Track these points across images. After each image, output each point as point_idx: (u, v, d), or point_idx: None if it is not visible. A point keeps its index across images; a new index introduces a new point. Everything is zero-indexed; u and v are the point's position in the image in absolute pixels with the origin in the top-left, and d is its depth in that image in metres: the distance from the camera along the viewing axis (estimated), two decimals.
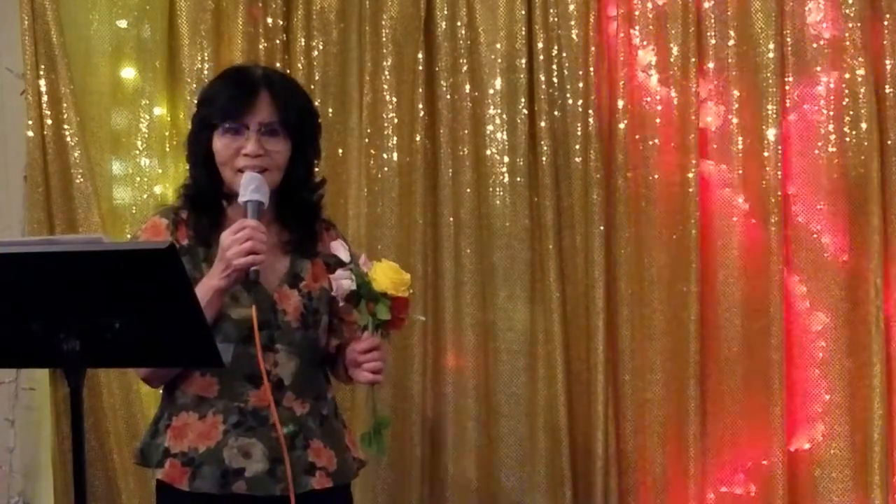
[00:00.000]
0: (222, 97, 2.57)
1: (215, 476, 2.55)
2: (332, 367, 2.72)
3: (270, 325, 2.55)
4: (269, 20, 3.84)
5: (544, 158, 3.73)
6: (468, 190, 3.79)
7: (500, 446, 3.78)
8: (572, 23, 3.71)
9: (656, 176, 3.72)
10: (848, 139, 3.59)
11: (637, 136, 3.72)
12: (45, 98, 3.68)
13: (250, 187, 2.48)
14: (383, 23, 3.80)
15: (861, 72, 3.56)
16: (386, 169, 3.81)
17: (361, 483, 3.76)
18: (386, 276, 2.46)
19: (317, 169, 2.74)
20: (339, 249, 2.52)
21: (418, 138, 3.78)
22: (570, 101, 3.73)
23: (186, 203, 2.63)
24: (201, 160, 2.59)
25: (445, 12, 3.78)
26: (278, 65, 3.82)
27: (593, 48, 3.71)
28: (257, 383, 2.54)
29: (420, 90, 3.78)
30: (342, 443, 2.67)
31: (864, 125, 3.58)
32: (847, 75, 3.57)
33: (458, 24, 3.78)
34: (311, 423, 2.61)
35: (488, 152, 3.78)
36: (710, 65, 3.69)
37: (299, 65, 3.82)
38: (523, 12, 3.73)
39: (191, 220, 2.60)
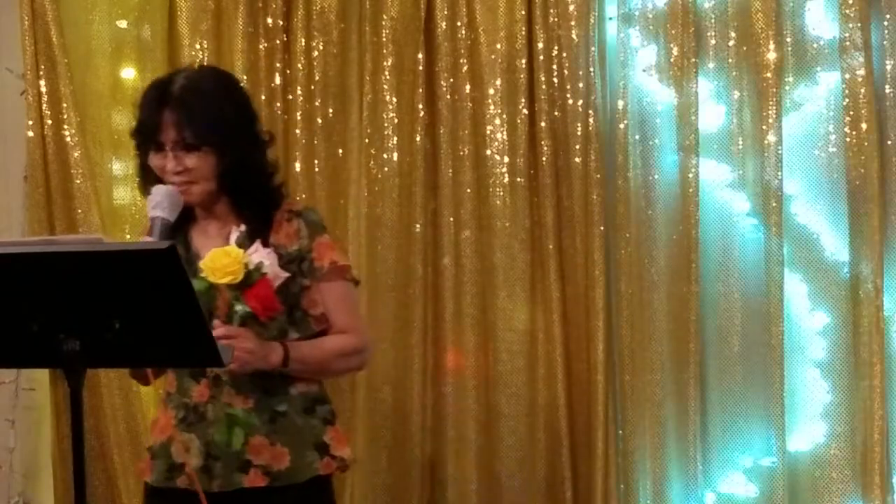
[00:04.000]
0: (138, 119, 2.57)
1: (162, 469, 2.61)
2: None
3: (211, 318, 2.46)
4: (269, 20, 3.84)
5: (544, 158, 3.73)
6: (468, 190, 3.79)
7: (500, 446, 3.78)
8: (572, 23, 3.71)
9: (656, 176, 3.72)
10: (848, 139, 3.59)
11: (637, 136, 3.72)
12: (45, 98, 3.68)
13: (151, 204, 2.47)
14: (383, 23, 3.80)
15: (861, 72, 3.56)
16: (386, 169, 3.81)
17: (361, 483, 3.77)
18: (214, 263, 2.38)
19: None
20: (230, 236, 2.48)
21: (418, 138, 3.78)
22: (570, 101, 3.73)
23: None
24: (152, 176, 2.58)
25: (445, 12, 3.78)
26: (278, 65, 3.83)
27: (593, 48, 3.71)
28: (199, 379, 2.58)
29: (420, 90, 3.78)
30: (304, 442, 2.62)
31: (864, 125, 3.57)
32: (847, 75, 3.57)
33: (458, 24, 3.78)
34: (254, 420, 2.57)
35: (488, 152, 3.78)
36: (710, 65, 3.69)
37: (299, 65, 3.82)
38: (523, 12, 3.73)
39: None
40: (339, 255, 2.68)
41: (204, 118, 2.52)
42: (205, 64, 2.70)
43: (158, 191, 2.48)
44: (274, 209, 2.64)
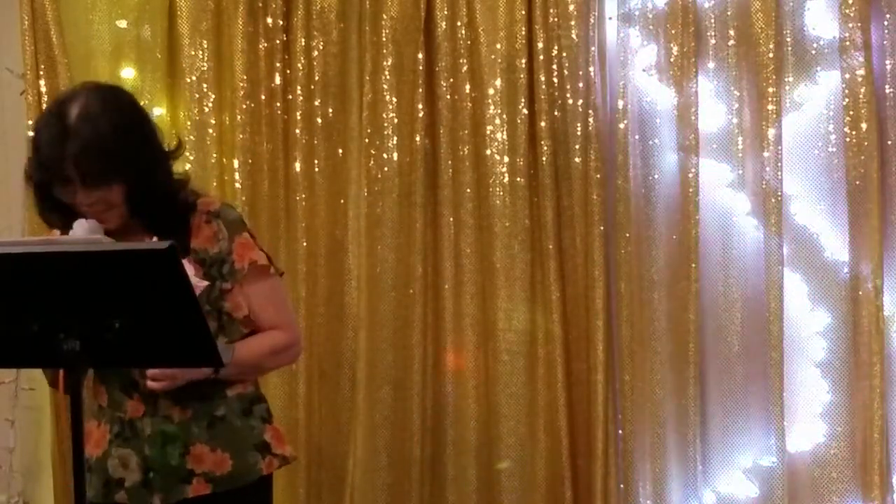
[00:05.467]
0: (38, 156, 2.47)
1: (98, 486, 2.56)
2: None
3: None
4: (269, 20, 3.84)
5: (544, 158, 3.73)
6: (468, 190, 3.79)
7: (500, 446, 3.78)
8: (572, 23, 3.71)
9: (656, 176, 3.72)
10: (848, 139, 3.59)
11: (637, 136, 3.72)
12: (45, 98, 3.69)
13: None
14: (383, 23, 3.80)
15: (861, 72, 3.56)
16: (386, 169, 3.81)
17: (361, 483, 3.77)
18: None
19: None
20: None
21: (418, 138, 3.78)
22: (570, 101, 3.73)
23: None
24: (56, 205, 2.50)
25: (445, 12, 3.78)
26: (278, 65, 3.83)
27: (593, 48, 3.71)
28: (131, 394, 2.53)
29: (420, 90, 3.78)
30: (245, 444, 2.59)
31: (864, 125, 3.57)
32: (847, 75, 3.57)
33: (458, 24, 3.78)
34: (194, 429, 2.54)
35: (488, 152, 3.78)
36: (710, 65, 3.69)
37: (299, 65, 3.82)
38: (523, 12, 3.73)
39: None
40: (258, 253, 2.61)
41: (103, 155, 2.41)
42: (98, 84, 2.56)
43: (80, 226, 2.41)
44: (189, 214, 2.57)
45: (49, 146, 2.44)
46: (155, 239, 2.50)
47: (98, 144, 2.40)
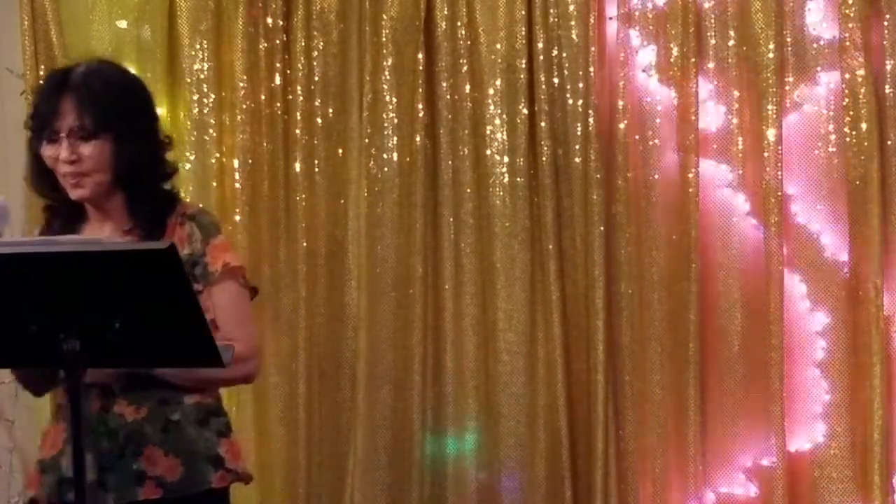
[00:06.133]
0: (35, 106, 2.51)
1: (52, 484, 2.52)
2: None
3: None
4: (269, 20, 3.84)
5: (544, 158, 3.73)
6: (468, 190, 3.79)
7: (500, 446, 3.78)
8: (572, 23, 3.71)
9: (656, 176, 3.72)
10: (848, 139, 3.59)
11: (637, 136, 3.71)
12: None
13: None
14: (383, 23, 3.80)
15: (861, 72, 3.56)
16: (386, 169, 3.81)
17: (361, 483, 3.77)
18: None
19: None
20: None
21: (418, 138, 3.78)
22: (570, 101, 3.73)
23: (54, 217, 2.59)
24: (43, 170, 2.52)
25: (445, 12, 3.78)
26: (278, 65, 3.83)
27: (593, 48, 3.71)
28: (87, 391, 2.42)
29: (420, 90, 3.78)
30: (197, 454, 2.52)
31: (864, 125, 3.57)
32: (847, 75, 3.57)
33: (458, 24, 3.78)
34: (147, 430, 2.48)
35: (488, 152, 3.78)
36: (710, 65, 3.69)
37: (299, 65, 3.82)
38: (523, 12, 3.73)
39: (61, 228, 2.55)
40: (232, 256, 2.57)
41: (105, 102, 2.44)
42: (110, 60, 2.61)
43: None
44: (168, 212, 2.55)
45: (47, 94, 2.48)
46: (129, 227, 2.48)
47: (97, 93, 2.44)
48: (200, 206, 2.70)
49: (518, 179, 3.76)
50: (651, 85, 3.72)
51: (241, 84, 3.81)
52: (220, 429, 2.58)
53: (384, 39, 3.79)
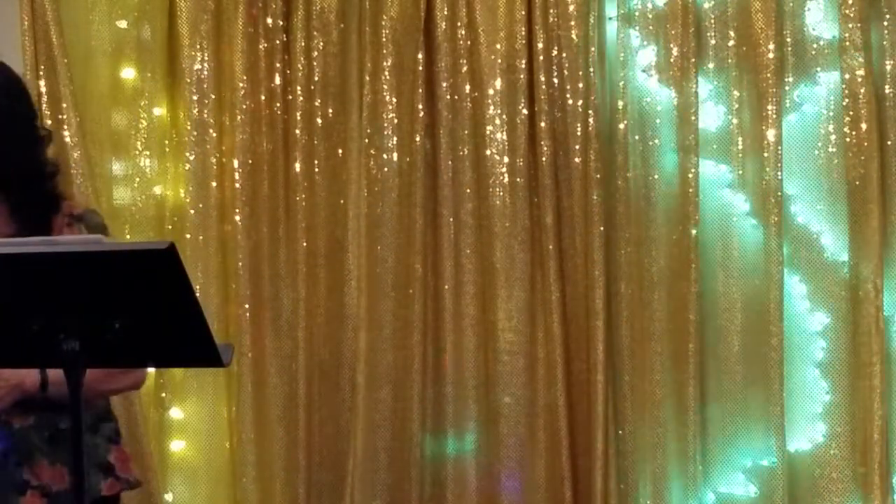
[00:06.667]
0: None
1: None
2: None
3: None
4: (269, 20, 3.84)
5: (544, 158, 3.73)
6: (468, 190, 3.79)
7: (500, 446, 3.78)
8: (572, 23, 3.71)
9: (656, 176, 3.72)
10: (848, 139, 3.59)
11: (637, 136, 3.72)
12: (44, 98, 3.68)
13: None
14: (383, 23, 3.80)
15: (861, 72, 3.56)
16: (386, 169, 3.81)
17: (361, 483, 3.77)
18: None
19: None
20: None
21: (418, 138, 3.78)
22: (570, 101, 3.73)
23: None
24: None
25: (445, 12, 3.78)
26: (278, 65, 3.83)
27: (593, 48, 3.71)
28: None
29: (420, 90, 3.78)
30: (87, 461, 2.38)
31: (864, 125, 3.57)
32: (847, 75, 3.57)
33: (458, 24, 3.78)
34: (33, 438, 2.45)
35: (488, 152, 3.78)
36: (710, 65, 3.69)
37: (299, 65, 3.82)
38: (523, 12, 3.73)
39: None
40: None
41: None
42: None
43: None
44: (53, 213, 2.49)
45: None
46: (12, 230, 2.42)
47: None
48: (88, 206, 2.61)
49: (518, 179, 3.76)
50: (651, 85, 3.72)
51: (241, 84, 3.81)
52: (111, 435, 2.55)
53: (384, 39, 3.79)
